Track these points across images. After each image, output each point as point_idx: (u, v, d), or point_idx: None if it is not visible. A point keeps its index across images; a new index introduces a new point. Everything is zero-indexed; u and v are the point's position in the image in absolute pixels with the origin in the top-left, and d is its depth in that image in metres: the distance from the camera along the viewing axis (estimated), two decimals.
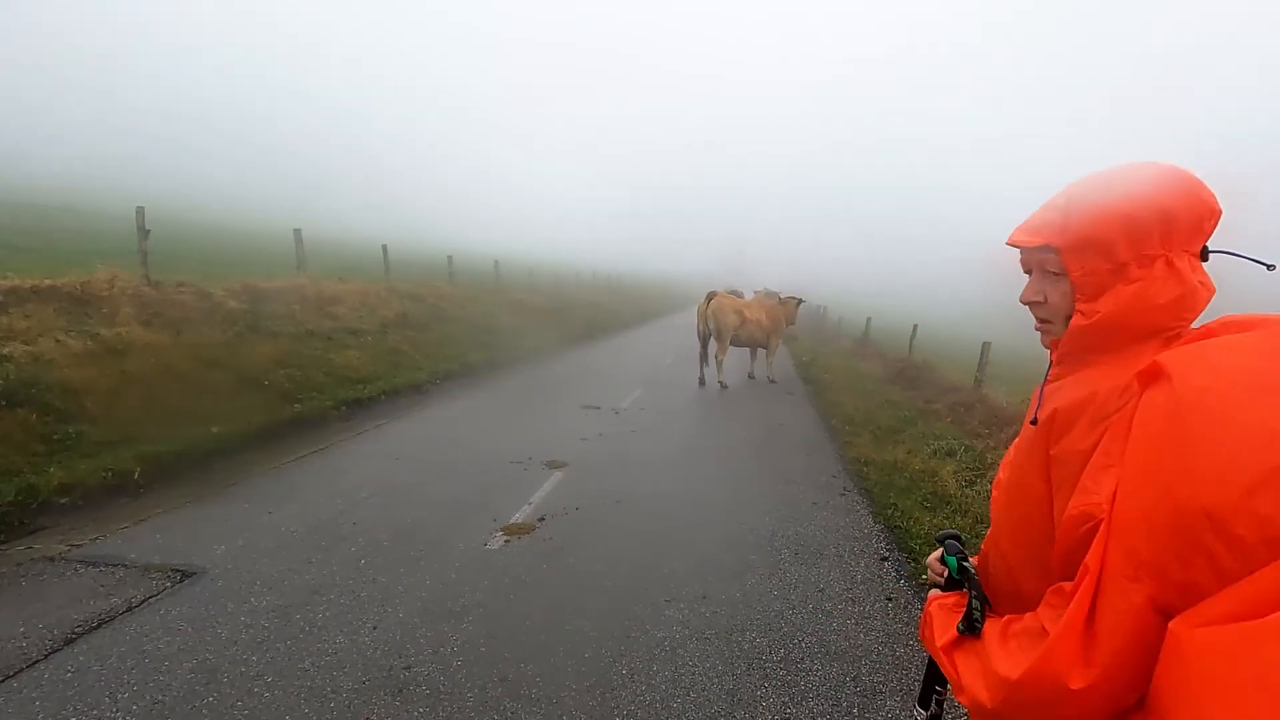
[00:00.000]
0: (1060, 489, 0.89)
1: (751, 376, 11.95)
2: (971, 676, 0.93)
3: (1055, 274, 0.97)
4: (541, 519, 4.63)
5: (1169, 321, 0.89)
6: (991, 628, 0.96)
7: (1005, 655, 0.87)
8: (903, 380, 12.17)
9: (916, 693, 1.70)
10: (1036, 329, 1.05)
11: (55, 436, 5.22)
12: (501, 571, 3.82)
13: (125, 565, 3.68)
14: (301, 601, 3.39)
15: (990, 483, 6.00)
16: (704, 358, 11.22)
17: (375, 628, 3.18)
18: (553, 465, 5.89)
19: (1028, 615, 0.90)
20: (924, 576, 3.86)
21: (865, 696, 2.79)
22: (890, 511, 4.97)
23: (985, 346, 10.28)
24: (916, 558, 4.17)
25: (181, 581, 3.53)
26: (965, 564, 1.12)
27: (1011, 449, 1.11)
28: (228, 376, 7.47)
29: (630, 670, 2.92)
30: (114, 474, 4.91)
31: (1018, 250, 1.03)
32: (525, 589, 3.62)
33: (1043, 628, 0.84)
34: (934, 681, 1.29)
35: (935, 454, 6.86)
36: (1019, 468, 1.01)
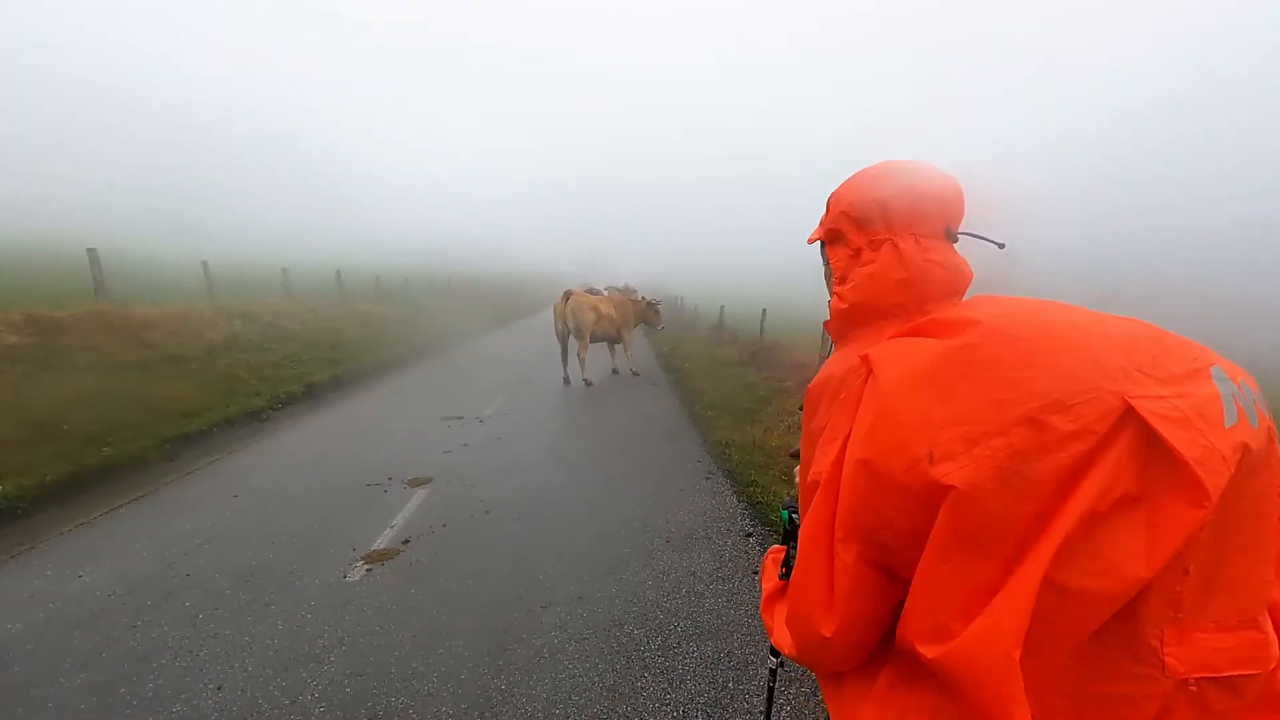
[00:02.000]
0: (804, 463, 0.99)
1: (615, 371, 12.10)
2: (779, 623, 1.04)
3: (825, 263, 1.13)
4: (406, 541, 4.40)
5: (903, 299, 0.99)
6: None
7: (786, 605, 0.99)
8: (756, 362, 12.84)
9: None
10: None
11: None
12: (364, 603, 3.58)
13: None
14: (126, 674, 2.98)
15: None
16: (565, 357, 11.21)
17: (220, 688, 2.87)
18: (415, 483, 5.61)
19: None
20: None
21: (739, 669, 2.93)
22: (752, 489, 5.24)
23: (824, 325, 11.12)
24: (778, 530, 4.43)
25: None
26: (794, 517, 1.23)
27: None
28: (10, 425, 6.40)
29: (509, 684, 2.85)
30: None
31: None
32: (391, 618, 3.43)
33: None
34: None
35: (789, 429, 7.31)
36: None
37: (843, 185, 1.06)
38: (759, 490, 5.19)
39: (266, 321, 14.29)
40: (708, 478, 5.70)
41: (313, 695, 2.80)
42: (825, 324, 1.12)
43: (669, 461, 6.26)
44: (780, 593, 1.12)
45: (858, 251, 1.03)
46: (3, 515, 4.86)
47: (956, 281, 1.00)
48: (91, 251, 11.32)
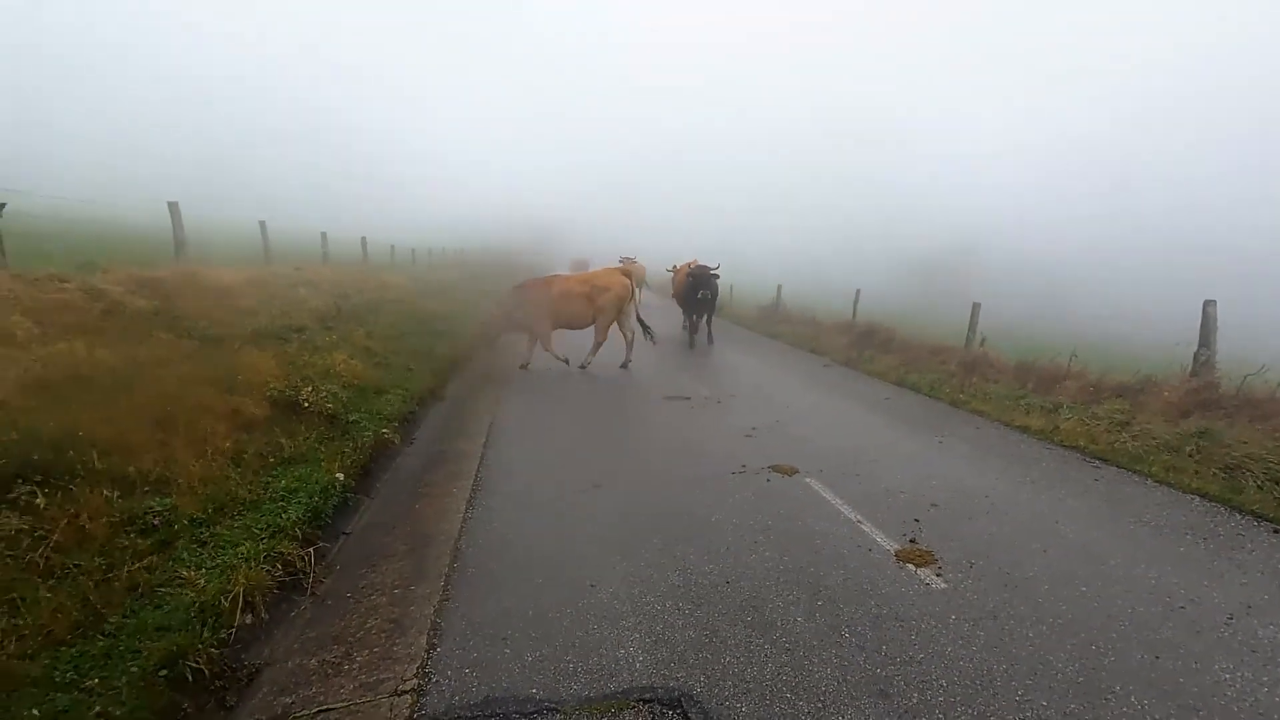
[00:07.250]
0: None
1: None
2: None
3: None
4: (912, 540, 3.86)
5: None
6: None
7: None
8: (875, 345, 12.42)
9: None
10: None
11: None
12: (1014, 618, 3.06)
13: None
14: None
15: (1120, 428, 6.22)
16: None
17: None
18: (783, 471, 5.03)
19: None
20: None
21: None
22: (1188, 482, 4.90)
23: (975, 307, 10.87)
24: None
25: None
26: None
27: None
28: (254, 403, 5.43)
29: None
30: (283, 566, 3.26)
31: None
32: (1095, 644, 2.93)
33: None
34: None
35: (1048, 412, 6.94)
36: None
37: None
38: (1190, 481, 4.87)
39: (329, 290, 12.96)
40: (1097, 467, 5.34)
41: None
42: None
43: (1021, 454, 5.80)
44: None
45: None
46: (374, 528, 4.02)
47: None
48: (173, 206, 9.99)
